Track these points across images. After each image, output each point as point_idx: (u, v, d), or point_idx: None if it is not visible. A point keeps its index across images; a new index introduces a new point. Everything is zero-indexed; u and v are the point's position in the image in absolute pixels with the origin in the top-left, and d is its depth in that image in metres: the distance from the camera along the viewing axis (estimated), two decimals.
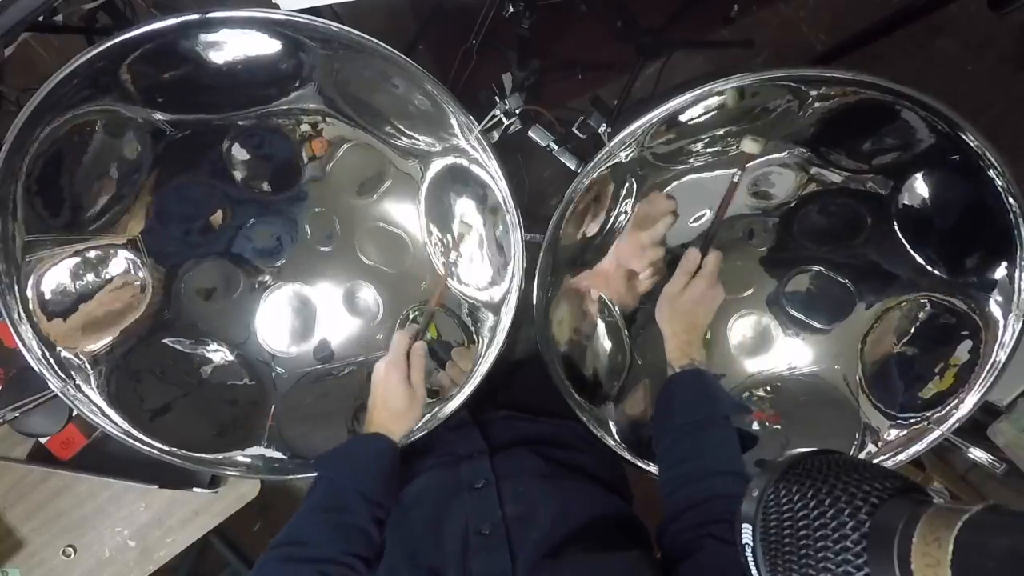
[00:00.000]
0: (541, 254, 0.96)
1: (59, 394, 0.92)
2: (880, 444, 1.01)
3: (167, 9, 0.80)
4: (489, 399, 1.04)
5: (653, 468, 1.03)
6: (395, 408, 0.88)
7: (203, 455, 0.99)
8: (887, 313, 1.04)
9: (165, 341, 1.05)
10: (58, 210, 0.93)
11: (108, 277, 1.00)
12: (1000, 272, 0.91)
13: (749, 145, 0.95)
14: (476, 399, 0.99)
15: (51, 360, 0.92)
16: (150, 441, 0.95)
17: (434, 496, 0.83)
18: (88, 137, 0.92)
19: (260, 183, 1.10)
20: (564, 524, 0.75)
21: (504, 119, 1.16)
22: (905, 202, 0.98)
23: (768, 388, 1.14)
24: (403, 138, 1.05)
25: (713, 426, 0.82)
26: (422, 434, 0.97)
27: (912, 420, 0.99)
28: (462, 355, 1.07)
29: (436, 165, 1.06)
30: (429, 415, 1.01)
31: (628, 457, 1.03)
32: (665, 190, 1.06)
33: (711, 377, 0.90)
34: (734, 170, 0.97)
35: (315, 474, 0.90)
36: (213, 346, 1.09)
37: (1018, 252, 0.88)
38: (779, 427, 1.11)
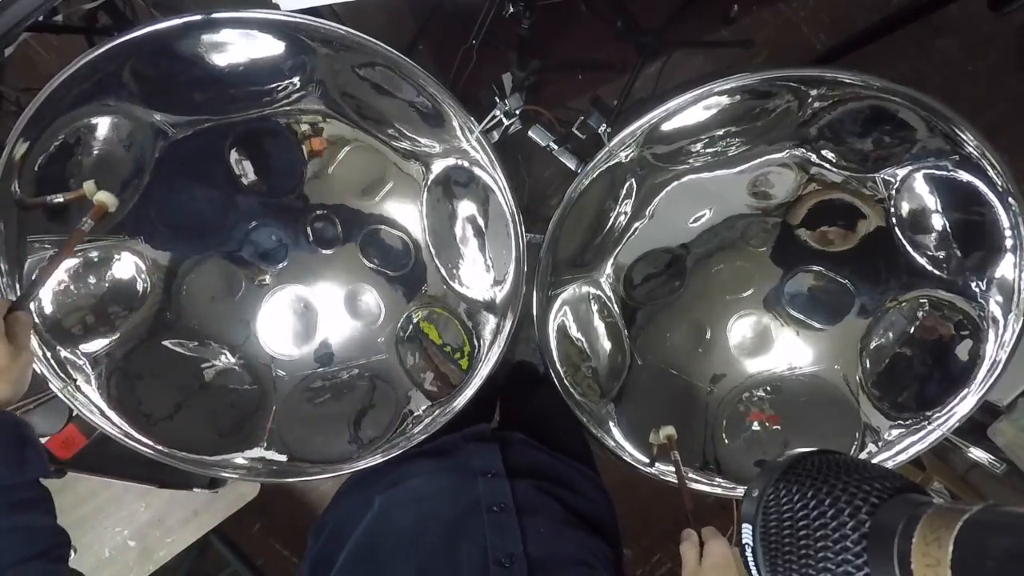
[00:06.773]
0: (541, 254, 0.96)
1: (59, 394, 0.92)
2: (880, 444, 1.01)
3: (167, 10, 0.80)
4: (505, 411, 0.99)
5: (653, 468, 1.04)
6: None
7: (203, 457, 0.99)
8: (887, 313, 1.04)
9: (165, 343, 1.05)
10: (60, 211, 0.92)
11: (110, 278, 1.00)
12: (1000, 272, 0.91)
13: (666, 431, 0.97)
14: (480, 406, 0.97)
15: (51, 360, 0.92)
16: (149, 442, 0.95)
17: (447, 505, 0.79)
18: (90, 138, 0.91)
19: (262, 185, 1.09)
20: None
21: (504, 119, 1.16)
22: (905, 202, 0.98)
23: (768, 388, 1.14)
24: (404, 140, 1.05)
25: None
26: (423, 437, 0.96)
27: (912, 420, 0.99)
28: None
29: (437, 166, 1.06)
30: (429, 419, 1.01)
31: (628, 459, 1.03)
32: None
33: None
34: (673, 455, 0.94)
35: (311, 477, 0.85)
36: (214, 348, 1.09)
37: (1018, 252, 0.88)
38: (779, 427, 1.11)
